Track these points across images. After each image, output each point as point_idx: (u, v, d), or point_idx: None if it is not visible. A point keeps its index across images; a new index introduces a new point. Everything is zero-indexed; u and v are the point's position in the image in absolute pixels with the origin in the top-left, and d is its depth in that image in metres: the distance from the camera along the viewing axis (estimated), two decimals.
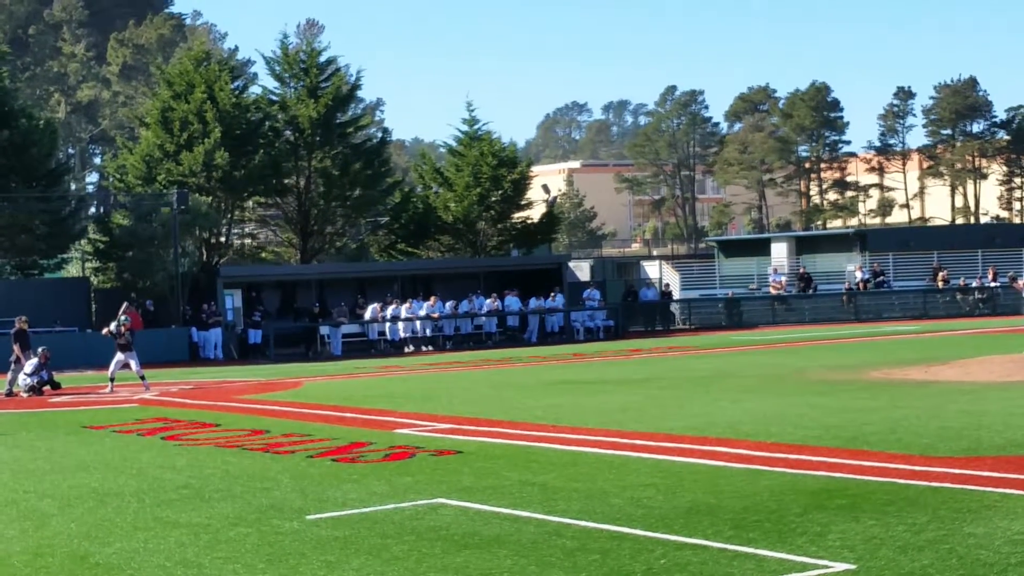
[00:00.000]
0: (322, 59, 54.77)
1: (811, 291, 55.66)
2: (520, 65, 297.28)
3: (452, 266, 53.87)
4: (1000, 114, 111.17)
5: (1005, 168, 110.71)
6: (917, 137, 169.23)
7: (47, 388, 31.13)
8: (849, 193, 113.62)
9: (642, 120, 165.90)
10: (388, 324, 47.46)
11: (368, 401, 25.93)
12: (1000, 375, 25.11)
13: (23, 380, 30.93)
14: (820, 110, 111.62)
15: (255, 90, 57.05)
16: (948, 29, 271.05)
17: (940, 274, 54.91)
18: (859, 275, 55.40)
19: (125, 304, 32.97)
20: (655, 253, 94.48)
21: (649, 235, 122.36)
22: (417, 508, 13.17)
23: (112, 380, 31.01)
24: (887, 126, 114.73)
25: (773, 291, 55.77)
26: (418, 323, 47.46)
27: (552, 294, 50.30)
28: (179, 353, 43.94)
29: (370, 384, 31.85)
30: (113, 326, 31.56)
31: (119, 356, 31.02)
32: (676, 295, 57.07)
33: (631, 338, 48.82)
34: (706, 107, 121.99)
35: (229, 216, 52.63)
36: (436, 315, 47.59)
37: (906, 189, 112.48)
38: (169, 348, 43.39)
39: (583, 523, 12.00)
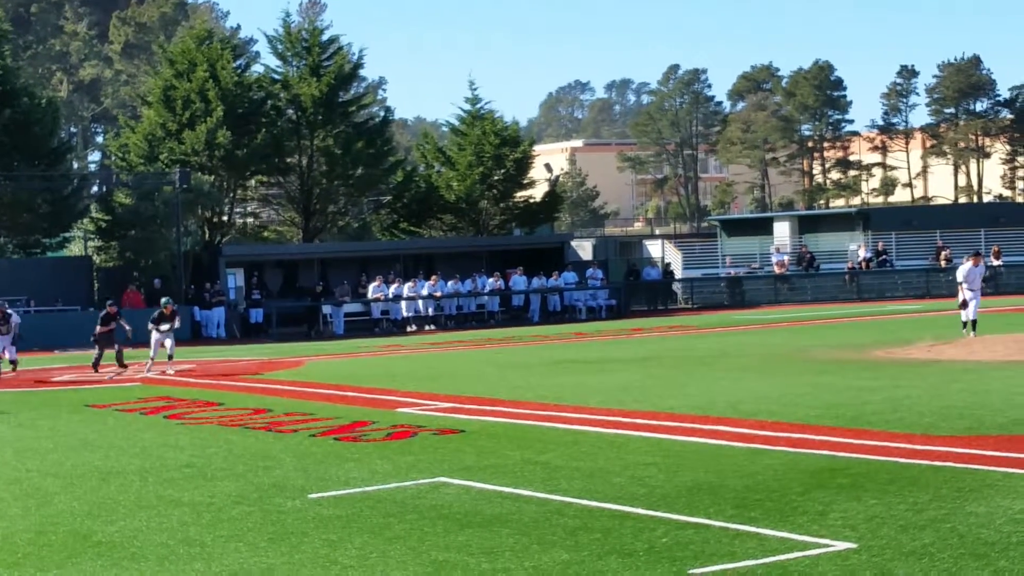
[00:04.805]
0: (324, 38, 54.65)
1: (813, 270, 55.61)
2: (523, 44, 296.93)
3: (454, 245, 53.83)
4: (1003, 93, 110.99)
5: (1008, 147, 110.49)
6: (920, 116, 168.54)
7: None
8: (852, 172, 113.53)
9: (645, 99, 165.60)
10: (390, 303, 47.48)
11: (370, 380, 25.95)
12: (1003, 354, 25.11)
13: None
14: (823, 89, 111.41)
15: (257, 69, 57.01)
16: (952, 7, 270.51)
17: (943, 253, 54.82)
18: (862, 254, 55.34)
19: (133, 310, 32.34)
20: (657, 232, 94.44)
21: (651, 214, 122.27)
22: (419, 487, 13.20)
23: (152, 362, 30.07)
24: (890, 105, 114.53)
25: (776, 270, 55.74)
26: (420, 302, 47.46)
27: (556, 273, 50.25)
28: (181, 332, 43.65)
29: (372, 363, 31.86)
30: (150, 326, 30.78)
31: (156, 335, 30.22)
32: (678, 274, 57.02)
33: (633, 317, 48.81)
34: (709, 86, 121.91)
35: (231, 195, 52.58)
36: (439, 294, 47.58)
37: (909, 168, 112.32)
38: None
39: (585, 502, 12.02)
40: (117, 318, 30.76)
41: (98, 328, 30.81)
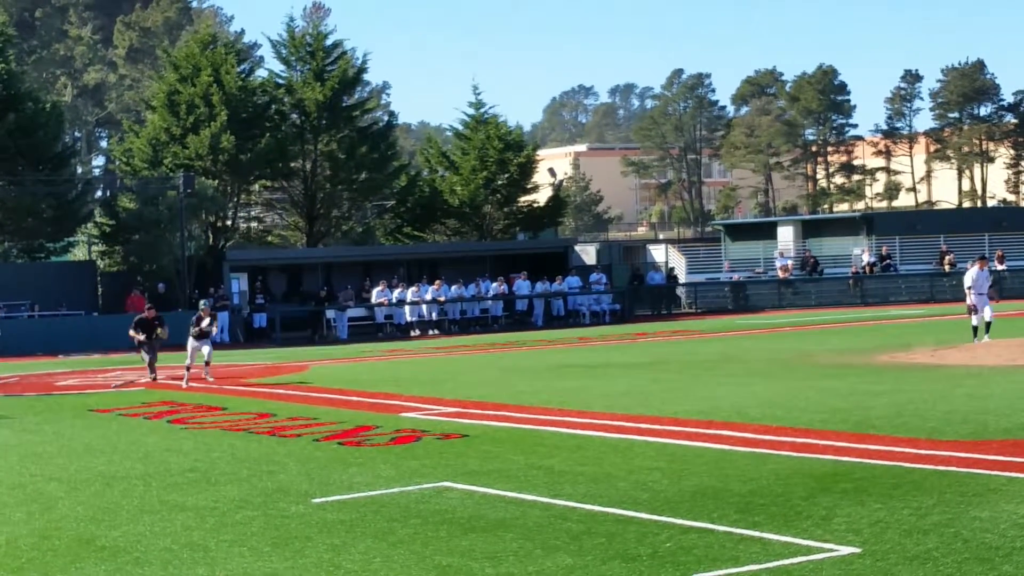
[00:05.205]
0: (328, 42, 54.66)
1: (817, 275, 55.59)
2: (527, 48, 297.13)
3: (458, 250, 53.82)
4: (1007, 97, 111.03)
5: (1012, 151, 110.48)
6: (924, 120, 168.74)
7: None
8: (856, 177, 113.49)
9: (648, 103, 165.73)
10: (394, 308, 47.48)
11: (374, 385, 25.95)
12: (1007, 359, 25.10)
13: None
14: (827, 93, 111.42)
15: (261, 73, 57.03)
16: (956, 12, 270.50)
17: (947, 258, 54.80)
18: (865, 259, 55.33)
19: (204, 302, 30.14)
20: (661, 237, 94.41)
21: (655, 219, 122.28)
22: (423, 491, 13.20)
23: (206, 367, 28.39)
24: (894, 109, 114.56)
25: (780, 275, 55.71)
26: (424, 307, 47.47)
27: (560, 277, 50.20)
28: (185, 336, 43.81)
29: (376, 368, 31.88)
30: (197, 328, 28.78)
31: (193, 343, 28.32)
32: (682, 279, 57.01)
33: (637, 322, 48.78)
34: (713, 90, 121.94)
35: (235, 200, 52.60)
36: (442, 299, 47.60)
37: (913, 173, 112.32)
38: (175, 331, 43.20)
39: (589, 507, 12.01)
40: (156, 323, 29.18)
41: (134, 335, 29.17)
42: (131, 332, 29.41)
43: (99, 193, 65.83)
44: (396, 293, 47.44)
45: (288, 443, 17.58)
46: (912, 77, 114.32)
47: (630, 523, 11.25)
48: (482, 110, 57.70)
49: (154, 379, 28.75)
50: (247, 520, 12.13)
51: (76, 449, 17.90)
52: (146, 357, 29.10)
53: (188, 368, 27.93)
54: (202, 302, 29.73)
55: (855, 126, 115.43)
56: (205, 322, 28.39)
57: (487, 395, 22.71)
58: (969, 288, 29.93)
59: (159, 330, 29.18)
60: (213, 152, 48.85)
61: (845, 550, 9.94)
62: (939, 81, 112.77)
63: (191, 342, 28.35)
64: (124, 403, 24.16)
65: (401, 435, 17.65)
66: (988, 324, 29.50)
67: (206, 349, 28.42)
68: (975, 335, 29.30)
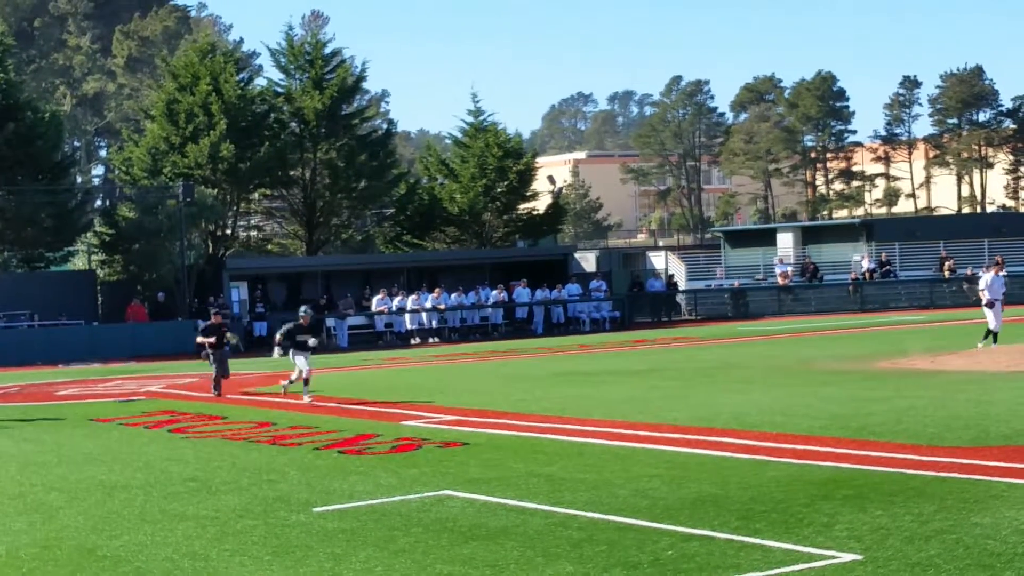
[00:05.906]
0: (327, 50, 54.73)
1: (817, 281, 55.59)
2: (526, 56, 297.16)
3: (458, 258, 53.86)
4: (1006, 103, 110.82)
5: (1011, 157, 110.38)
6: (923, 126, 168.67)
7: None
8: (855, 183, 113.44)
9: (648, 110, 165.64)
10: (394, 316, 47.51)
11: (374, 393, 25.95)
12: (1007, 365, 25.10)
13: None
14: (826, 100, 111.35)
15: (260, 82, 57.08)
16: (954, 18, 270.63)
17: (946, 264, 54.80)
18: (865, 265, 55.34)
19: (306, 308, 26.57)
20: (661, 244, 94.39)
21: (655, 226, 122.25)
22: (424, 500, 13.20)
23: (291, 383, 25.75)
24: (893, 115, 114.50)
25: (780, 282, 55.71)
26: (424, 315, 47.49)
27: (560, 285, 50.22)
28: (185, 345, 43.90)
29: (376, 376, 31.88)
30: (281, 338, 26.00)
31: (301, 357, 25.21)
32: (682, 286, 57.03)
33: (637, 329, 48.80)
34: (712, 97, 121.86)
35: (235, 208, 52.63)
36: (442, 307, 47.62)
37: (912, 179, 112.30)
38: (175, 340, 43.37)
39: (589, 514, 12.01)
40: (223, 329, 27.51)
41: (203, 340, 27.48)
42: (199, 339, 28.15)
43: (99, 202, 65.81)
44: (396, 301, 47.47)
45: (289, 452, 17.58)
46: (911, 83, 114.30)
47: (630, 530, 11.25)
48: (481, 118, 57.75)
49: (217, 395, 26.74)
50: (248, 529, 12.13)
51: (77, 459, 17.90)
52: (213, 366, 27.13)
53: (296, 381, 25.44)
54: (303, 308, 26.46)
55: (854, 132, 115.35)
56: (309, 341, 25.34)
57: (487, 403, 22.71)
58: (982, 291, 30.13)
59: (228, 335, 27.67)
60: (212, 161, 48.87)
61: (847, 557, 9.93)
62: (938, 87, 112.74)
63: (299, 357, 25.31)
64: (124, 412, 24.16)
65: (402, 443, 17.65)
66: (995, 334, 29.52)
67: (305, 363, 25.28)
68: (985, 336, 29.38)
